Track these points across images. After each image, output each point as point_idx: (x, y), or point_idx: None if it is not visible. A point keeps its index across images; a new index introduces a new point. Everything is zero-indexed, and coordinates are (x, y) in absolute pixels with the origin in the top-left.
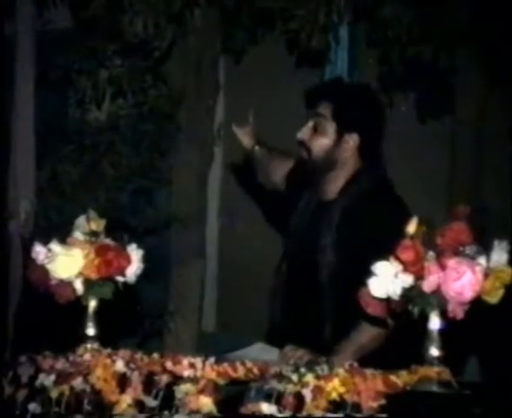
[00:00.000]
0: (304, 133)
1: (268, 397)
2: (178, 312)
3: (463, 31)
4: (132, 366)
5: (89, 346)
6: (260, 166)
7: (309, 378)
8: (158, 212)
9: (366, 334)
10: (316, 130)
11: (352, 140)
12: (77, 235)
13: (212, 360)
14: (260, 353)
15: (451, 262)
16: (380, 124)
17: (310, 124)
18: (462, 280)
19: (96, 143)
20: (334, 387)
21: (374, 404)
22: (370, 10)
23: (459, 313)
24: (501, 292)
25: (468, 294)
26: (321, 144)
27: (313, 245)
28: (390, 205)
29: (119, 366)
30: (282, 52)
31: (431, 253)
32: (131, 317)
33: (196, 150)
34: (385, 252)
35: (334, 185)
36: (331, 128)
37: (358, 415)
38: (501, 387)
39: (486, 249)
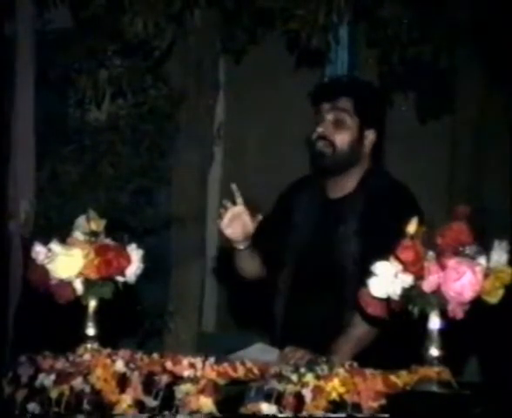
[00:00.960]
0: (326, 127)
1: (268, 397)
2: (178, 312)
3: (463, 31)
4: (132, 366)
5: (89, 346)
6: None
7: (309, 378)
8: (158, 212)
9: (361, 328)
10: (337, 124)
11: (371, 136)
12: (77, 235)
13: (212, 360)
14: (260, 353)
15: (451, 262)
16: (385, 122)
17: (329, 117)
18: (462, 280)
19: (96, 143)
20: (334, 387)
21: (374, 404)
22: (370, 10)
23: (459, 313)
24: (501, 292)
25: (468, 294)
26: (345, 138)
27: (330, 238)
28: (408, 201)
29: (119, 366)
30: (282, 52)
31: (431, 253)
32: (131, 317)
33: (196, 150)
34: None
35: (349, 181)
36: (353, 123)
37: (358, 415)
38: (501, 387)
39: (486, 249)
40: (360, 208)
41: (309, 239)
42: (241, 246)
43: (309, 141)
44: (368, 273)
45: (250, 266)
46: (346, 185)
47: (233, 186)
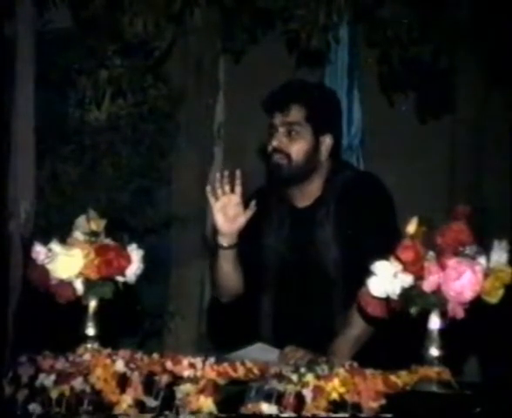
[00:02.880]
0: (280, 140)
1: (268, 397)
2: (178, 312)
3: (463, 31)
4: (132, 366)
5: (89, 346)
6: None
7: (309, 378)
8: (158, 212)
9: (359, 327)
10: (290, 136)
11: (327, 141)
12: (77, 235)
13: (211, 360)
14: (260, 353)
15: (451, 262)
16: (341, 122)
17: (282, 130)
18: (462, 280)
19: (96, 143)
20: (334, 387)
21: (374, 404)
22: (370, 10)
23: (459, 313)
24: (501, 292)
25: (468, 294)
26: (300, 149)
27: (308, 247)
28: (376, 192)
29: (119, 366)
30: (282, 52)
31: (431, 253)
32: (131, 317)
33: (196, 150)
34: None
35: (314, 187)
36: (307, 132)
37: (362, 415)
38: (501, 387)
39: (486, 249)
40: (333, 209)
41: (286, 256)
42: (225, 243)
43: (266, 154)
44: (351, 274)
45: (230, 275)
46: (311, 191)
47: (238, 172)
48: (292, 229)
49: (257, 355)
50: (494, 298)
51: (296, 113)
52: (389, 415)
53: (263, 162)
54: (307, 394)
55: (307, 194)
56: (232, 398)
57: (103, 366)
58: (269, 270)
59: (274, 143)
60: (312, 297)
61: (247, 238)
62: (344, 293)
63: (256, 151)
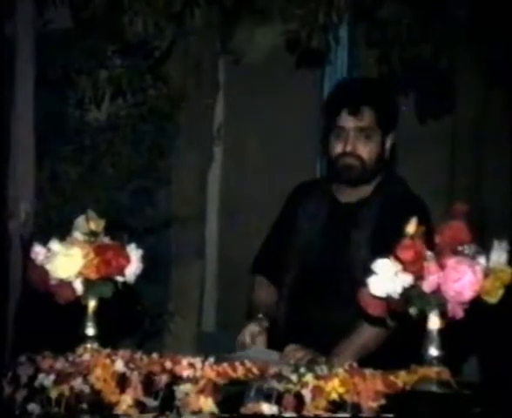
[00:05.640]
0: (352, 144)
1: (268, 397)
2: (177, 312)
3: (463, 31)
4: (132, 366)
5: (88, 346)
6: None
7: (309, 378)
8: (158, 212)
9: (366, 335)
10: (363, 140)
11: (390, 140)
12: (77, 235)
13: (211, 360)
14: (260, 355)
15: (451, 262)
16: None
17: (353, 134)
18: (462, 280)
19: (96, 143)
20: (334, 388)
21: (374, 404)
22: (370, 10)
23: (458, 313)
24: (500, 292)
25: (468, 294)
26: (372, 150)
27: (340, 242)
28: (423, 214)
29: (119, 366)
30: (282, 52)
31: (430, 253)
32: (130, 317)
33: (196, 150)
34: None
35: (367, 186)
36: (377, 135)
37: (361, 415)
38: (501, 387)
39: (485, 249)
40: (375, 214)
41: (316, 243)
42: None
43: (331, 156)
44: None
45: (268, 295)
46: (363, 189)
47: None
48: (328, 222)
49: (256, 358)
50: (493, 298)
51: (369, 118)
52: (389, 415)
53: (263, 161)
54: (307, 394)
55: (355, 192)
56: (232, 398)
57: (102, 366)
58: (295, 264)
59: (348, 148)
60: (332, 295)
61: (281, 226)
62: None
63: (256, 150)
